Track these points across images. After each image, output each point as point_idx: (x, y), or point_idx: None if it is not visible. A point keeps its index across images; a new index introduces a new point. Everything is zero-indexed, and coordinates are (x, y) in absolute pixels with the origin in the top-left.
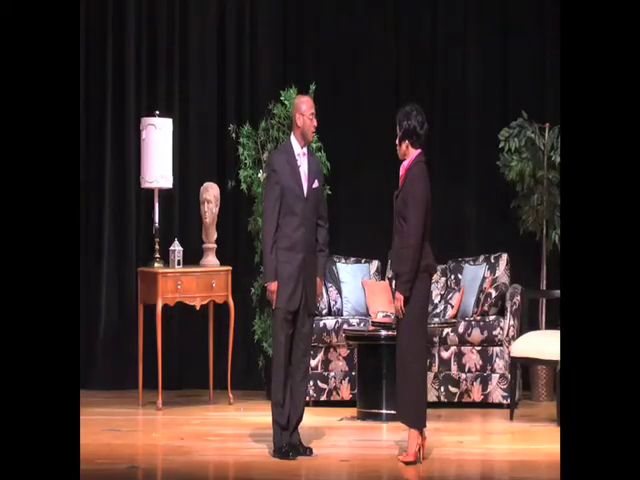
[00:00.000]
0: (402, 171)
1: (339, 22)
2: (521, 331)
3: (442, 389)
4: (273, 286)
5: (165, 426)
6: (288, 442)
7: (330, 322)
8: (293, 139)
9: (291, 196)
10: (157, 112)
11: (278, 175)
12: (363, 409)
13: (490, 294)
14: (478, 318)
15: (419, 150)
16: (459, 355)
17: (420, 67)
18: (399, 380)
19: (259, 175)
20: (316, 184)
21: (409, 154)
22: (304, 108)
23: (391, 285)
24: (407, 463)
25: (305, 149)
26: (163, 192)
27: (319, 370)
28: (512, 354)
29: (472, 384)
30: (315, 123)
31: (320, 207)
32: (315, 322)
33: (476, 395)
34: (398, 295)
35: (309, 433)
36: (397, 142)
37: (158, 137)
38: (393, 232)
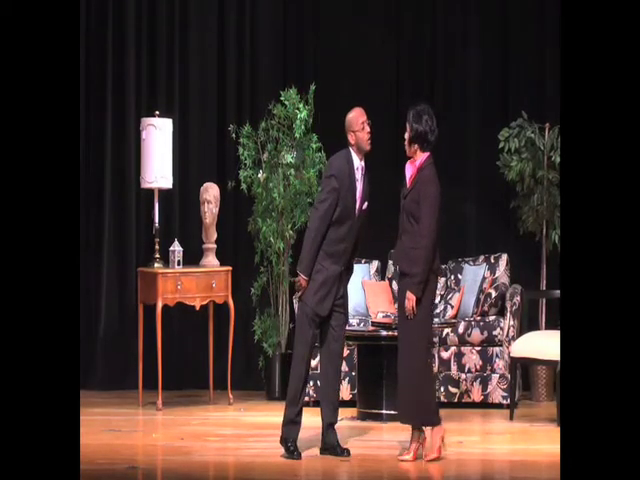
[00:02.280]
0: (412, 170)
1: (339, 22)
2: (521, 331)
3: (442, 389)
4: (304, 281)
5: (165, 426)
6: (294, 437)
7: None
8: (352, 151)
9: (345, 210)
10: (157, 112)
11: (338, 181)
12: (363, 409)
13: (490, 294)
14: (478, 318)
15: (429, 152)
16: (459, 355)
17: (420, 67)
18: (403, 381)
19: (259, 175)
20: (365, 205)
21: (418, 155)
22: (354, 124)
23: (391, 285)
24: (432, 460)
25: (363, 163)
26: (163, 192)
27: (319, 370)
28: (512, 354)
29: (472, 384)
30: (368, 130)
31: (362, 230)
32: None
33: (476, 395)
34: (410, 295)
35: (309, 433)
36: (406, 141)
37: (158, 137)
38: (400, 231)
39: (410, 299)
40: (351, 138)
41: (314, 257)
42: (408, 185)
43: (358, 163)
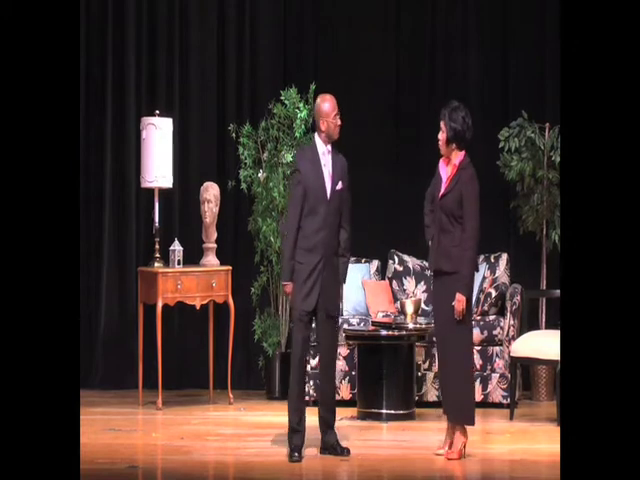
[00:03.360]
0: (449, 170)
1: (339, 22)
2: (521, 331)
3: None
4: (288, 287)
5: (165, 426)
6: (298, 444)
7: None
8: (317, 138)
9: (314, 197)
10: (157, 112)
11: (301, 175)
12: (363, 409)
13: (490, 294)
14: (478, 318)
15: (464, 151)
16: None
17: (420, 67)
18: (448, 380)
19: (259, 175)
20: (340, 185)
21: (456, 154)
22: (326, 112)
23: (391, 284)
24: (451, 459)
25: (329, 146)
26: (163, 192)
27: (319, 370)
28: (512, 354)
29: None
30: (339, 122)
31: (343, 209)
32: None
33: (476, 395)
34: (460, 297)
35: (309, 433)
36: (443, 140)
37: (158, 137)
38: (437, 230)
39: (460, 300)
40: (322, 125)
41: (292, 262)
42: (445, 185)
43: (324, 148)
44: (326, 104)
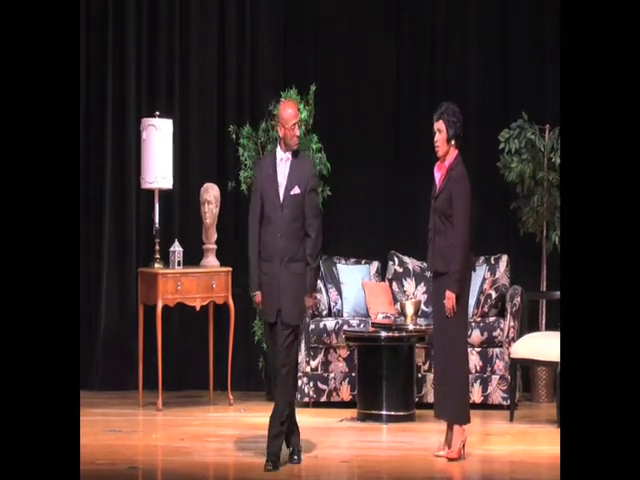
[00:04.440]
0: (442, 171)
1: (339, 22)
2: (521, 332)
3: None
4: (258, 296)
5: (165, 427)
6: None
7: (330, 323)
8: (278, 145)
9: (269, 204)
10: (157, 113)
11: (258, 182)
12: (363, 410)
13: (490, 295)
14: (478, 319)
15: (458, 150)
16: None
17: (420, 67)
18: (442, 379)
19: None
20: (296, 190)
21: (450, 154)
22: (285, 119)
23: (391, 286)
24: (451, 460)
25: (289, 154)
26: (163, 193)
27: (319, 371)
28: (512, 355)
29: (472, 385)
30: (297, 133)
31: (308, 214)
32: (315, 323)
33: (476, 396)
34: (450, 294)
35: (309, 434)
36: (443, 140)
37: (158, 138)
38: (433, 232)
39: (450, 298)
40: (280, 131)
41: (257, 271)
42: (438, 186)
43: (283, 155)
44: (286, 111)
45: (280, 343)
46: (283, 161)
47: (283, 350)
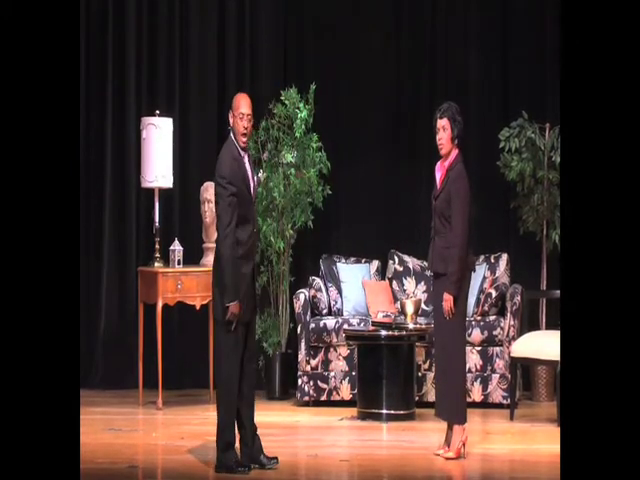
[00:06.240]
0: (442, 171)
1: (339, 22)
2: (521, 331)
3: None
4: (236, 307)
5: (165, 426)
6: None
7: (330, 322)
8: (232, 137)
9: (244, 202)
10: (157, 112)
11: (234, 184)
12: (363, 409)
13: (490, 294)
14: (478, 318)
15: (458, 150)
16: None
17: (420, 67)
18: (441, 378)
19: (259, 175)
20: (256, 181)
21: (451, 153)
22: (235, 105)
23: (391, 285)
24: (449, 459)
25: (242, 144)
26: (163, 192)
27: (319, 370)
28: (512, 354)
29: (472, 384)
30: (245, 124)
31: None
32: (315, 322)
33: (476, 395)
34: (447, 296)
35: (310, 433)
36: (448, 137)
37: (158, 137)
38: (432, 232)
39: (447, 300)
40: (231, 119)
41: (237, 277)
42: (439, 186)
43: (239, 146)
44: (237, 99)
45: (252, 341)
46: (242, 153)
47: (254, 347)
